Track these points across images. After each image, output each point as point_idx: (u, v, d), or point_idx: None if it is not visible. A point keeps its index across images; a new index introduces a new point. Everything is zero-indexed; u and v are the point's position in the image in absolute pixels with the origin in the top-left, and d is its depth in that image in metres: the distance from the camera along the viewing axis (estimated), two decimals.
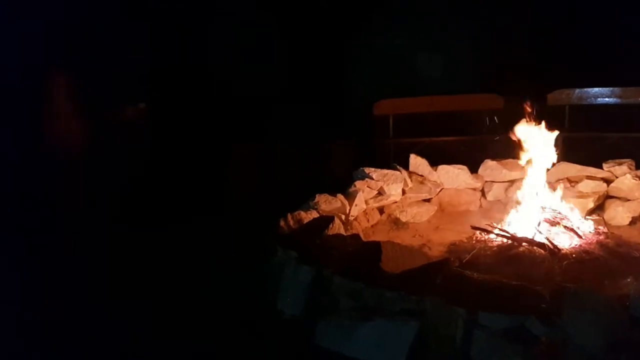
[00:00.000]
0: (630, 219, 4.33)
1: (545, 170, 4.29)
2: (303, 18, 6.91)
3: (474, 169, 5.01)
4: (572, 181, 4.64)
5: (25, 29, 4.92)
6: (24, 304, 3.59)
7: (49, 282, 3.88)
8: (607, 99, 5.57)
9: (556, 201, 4.20)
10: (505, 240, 3.83)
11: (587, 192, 4.47)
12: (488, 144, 5.51)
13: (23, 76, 4.85)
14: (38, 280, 3.92)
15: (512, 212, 4.18)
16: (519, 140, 4.29)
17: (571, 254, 3.56)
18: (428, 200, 4.84)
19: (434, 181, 4.91)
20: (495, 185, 4.92)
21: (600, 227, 4.06)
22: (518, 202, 4.23)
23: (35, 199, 4.85)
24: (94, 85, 5.24)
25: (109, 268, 4.01)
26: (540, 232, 3.77)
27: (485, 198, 4.95)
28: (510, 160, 4.89)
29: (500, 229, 3.96)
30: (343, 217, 4.16)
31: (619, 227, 4.27)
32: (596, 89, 5.60)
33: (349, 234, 3.93)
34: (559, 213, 4.02)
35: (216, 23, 6.62)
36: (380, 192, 4.65)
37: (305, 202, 4.26)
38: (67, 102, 5.15)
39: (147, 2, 5.93)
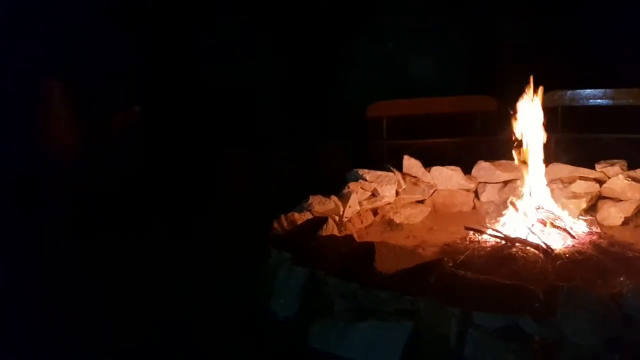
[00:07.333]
0: (622, 219, 4.34)
1: (539, 171, 4.30)
2: (296, 20, 6.92)
3: (467, 170, 5.01)
4: (565, 182, 4.65)
5: (20, 30, 4.90)
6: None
7: (42, 285, 3.86)
8: (599, 101, 5.59)
9: (549, 202, 4.21)
10: (498, 240, 3.83)
11: (580, 193, 4.48)
12: (481, 145, 5.53)
13: (17, 77, 4.83)
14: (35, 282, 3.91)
15: (506, 212, 4.19)
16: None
17: (564, 254, 3.57)
18: (422, 202, 4.84)
19: (428, 182, 4.92)
20: (489, 186, 4.92)
21: (593, 227, 4.07)
22: (511, 203, 4.24)
23: (27, 200, 4.83)
24: (87, 88, 5.22)
25: (103, 270, 3.99)
26: (533, 233, 3.77)
27: (478, 199, 4.96)
28: (503, 161, 4.90)
29: (494, 230, 3.96)
30: (337, 218, 4.14)
31: (611, 227, 4.28)
32: (588, 91, 5.63)
33: (342, 235, 3.91)
34: (552, 213, 4.03)
35: (210, 25, 6.62)
36: (374, 194, 4.65)
37: (299, 203, 4.24)
38: (57, 104, 5.12)
39: (141, 3, 5.93)
